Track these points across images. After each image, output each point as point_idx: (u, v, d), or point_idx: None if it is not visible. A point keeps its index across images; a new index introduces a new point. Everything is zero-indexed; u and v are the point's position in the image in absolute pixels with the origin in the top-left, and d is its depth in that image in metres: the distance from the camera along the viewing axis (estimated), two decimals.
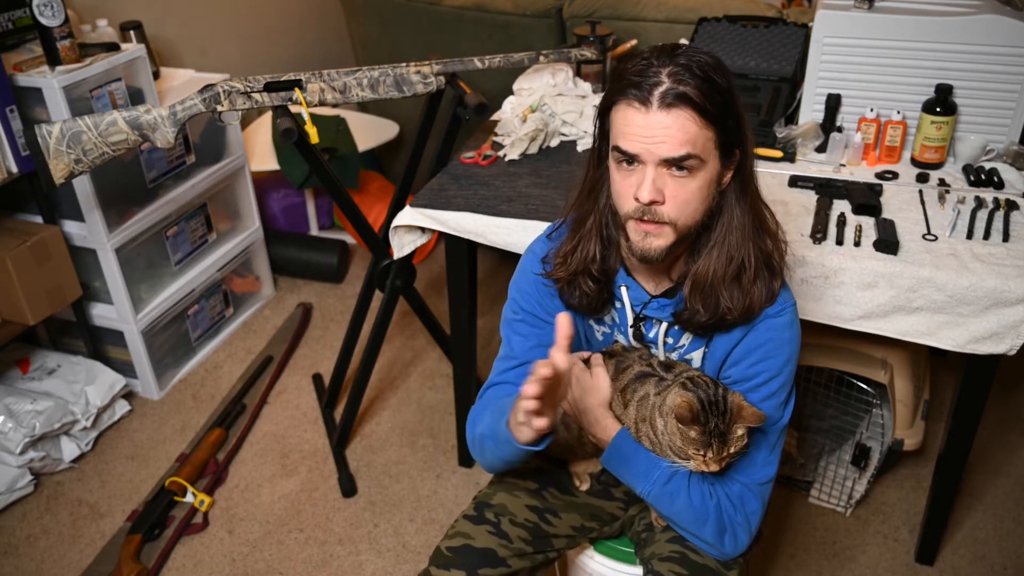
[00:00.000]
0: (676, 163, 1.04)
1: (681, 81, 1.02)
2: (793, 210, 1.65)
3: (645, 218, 1.07)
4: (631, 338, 1.27)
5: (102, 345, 2.41)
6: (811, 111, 1.88)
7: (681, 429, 1.10)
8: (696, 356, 1.23)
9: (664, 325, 1.22)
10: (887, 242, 1.51)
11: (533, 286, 1.27)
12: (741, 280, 1.13)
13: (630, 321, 1.24)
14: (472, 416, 1.30)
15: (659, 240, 1.09)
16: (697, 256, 1.14)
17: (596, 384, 1.24)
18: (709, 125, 1.03)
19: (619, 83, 1.06)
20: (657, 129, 1.02)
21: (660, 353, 1.25)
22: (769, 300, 1.15)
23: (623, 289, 1.22)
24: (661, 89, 1.02)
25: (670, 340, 1.23)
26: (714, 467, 1.11)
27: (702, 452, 1.10)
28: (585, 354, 1.31)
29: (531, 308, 1.28)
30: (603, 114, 1.11)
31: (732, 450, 1.10)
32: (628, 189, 1.08)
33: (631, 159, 1.06)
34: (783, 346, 1.16)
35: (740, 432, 1.10)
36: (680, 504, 1.17)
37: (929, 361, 2.13)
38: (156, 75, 2.36)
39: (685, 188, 1.06)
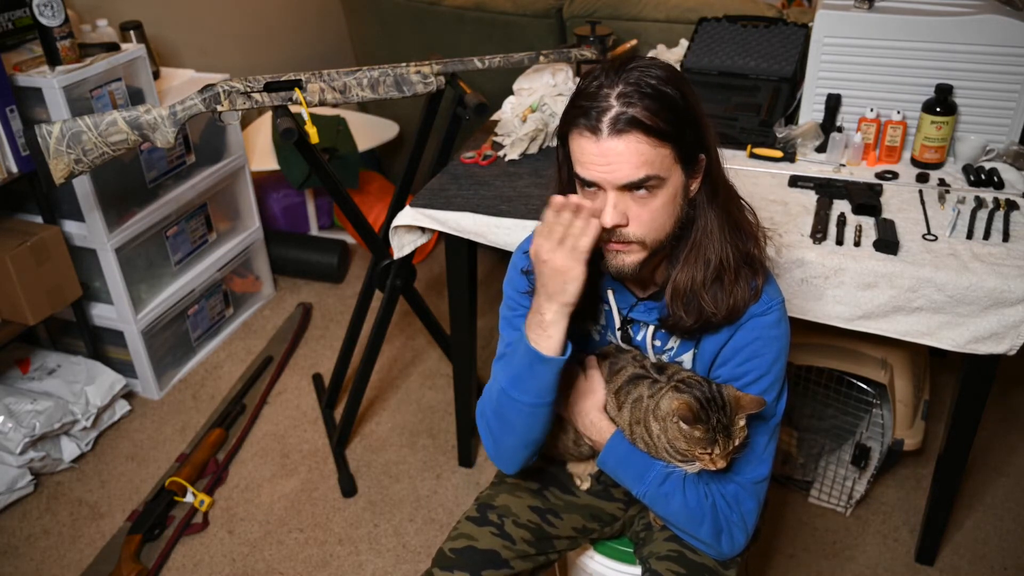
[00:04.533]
0: (635, 187, 1.03)
1: (630, 104, 1.00)
2: (793, 210, 1.65)
3: (612, 239, 1.07)
4: (619, 341, 1.27)
5: (102, 345, 2.41)
6: (811, 111, 1.88)
7: (684, 431, 1.10)
8: (686, 358, 1.23)
9: (651, 328, 1.22)
10: (887, 242, 1.51)
11: (526, 280, 1.27)
12: (722, 282, 1.12)
13: (617, 324, 1.24)
14: (481, 403, 1.26)
15: (630, 257, 1.09)
16: (676, 263, 1.14)
17: (590, 387, 1.24)
18: (664, 143, 1.02)
19: (572, 109, 1.05)
20: (611, 156, 1.01)
21: (650, 356, 1.25)
22: (754, 298, 1.15)
23: (609, 292, 1.22)
24: (610, 115, 1.00)
25: (658, 343, 1.23)
26: (721, 464, 1.10)
27: (709, 450, 1.10)
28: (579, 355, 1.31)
29: (527, 302, 1.27)
30: (561, 139, 1.10)
31: (736, 442, 1.10)
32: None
33: (591, 184, 1.06)
34: (771, 344, 1.16)
35: (742, 423, 1.10)
36: (676, 505, 1.17)
37: (929, 361, 2.13)
38: (156, 75, 2.37)
39: (648, 207, 1.05)
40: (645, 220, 1.06)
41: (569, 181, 1.13)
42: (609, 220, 1.04)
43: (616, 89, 1.01)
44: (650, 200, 1.05)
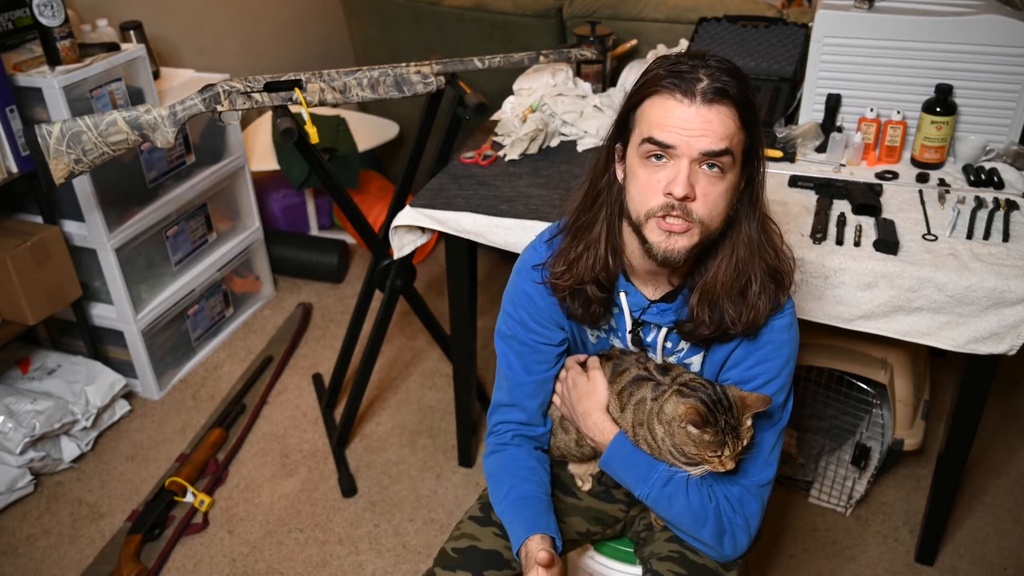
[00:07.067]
0: (714, 157, 1.03)
1: (720, 79, 1.02)
2: (793, 210, 1.65)
3: (674, 214, 1.05)
4: (629, 343, 1.26)
5: (102, 345, 2.41)
6: (811, 111, 1.88)
7: (693, 435, 1.10)
8: (695, 360, 1.23)
9: (663, 330, 1.21)
10: (887, 242, 1.51)
11: (523, 295, 1.27)
12: (746, 294, 1.12)
13: (628, 327, 1.24)
14: (489, 456, 1.32)
15: (683, 240, 1.06)
16: (704, 265, 1.13)
17: (593, 388, 1.24)
18: (743, 128, 1.04)
19: (654, 77, 1.05)
20: (698, 122, 1.02)
21: (658, 357, 1.25)
22: (775, 311, 1.15)
23: (622, 295, 1.21)
24: (703, 84, 1.02)
25: (669, 344, 1.23)
26: (730, 465, 1.10)
27: (719, 452, 1.10)
28: (582, 357, 1.31)
29: (520, 319, 1.27)
30: (631, 110, 1.09)
31: (744, 442, 1.10)
32: (655, 184, 1.05)
33: (662, 153, 1.05)
34: (781, 348, 1.16)
35: (748, 423, 1.10)
36: (679, 506, 1.17)
37: (929, 361, 2.13)
38: (156, 75, 2.36)
39: (715, 187, 1.05)
40: (710, 200, 1.06)
41: (607, 162, 1.13)
42: (680, 190, 1.03)
43: (702, 69, 1.03)
44: (718, 182, 1.05)
